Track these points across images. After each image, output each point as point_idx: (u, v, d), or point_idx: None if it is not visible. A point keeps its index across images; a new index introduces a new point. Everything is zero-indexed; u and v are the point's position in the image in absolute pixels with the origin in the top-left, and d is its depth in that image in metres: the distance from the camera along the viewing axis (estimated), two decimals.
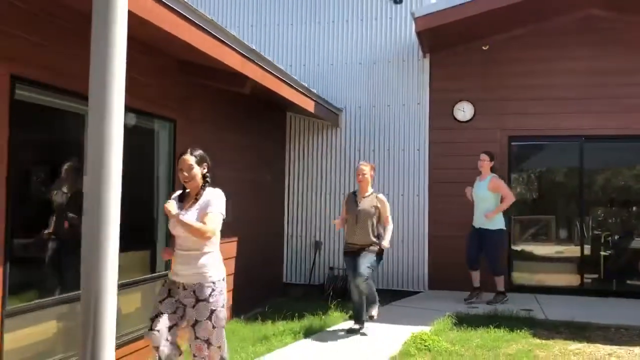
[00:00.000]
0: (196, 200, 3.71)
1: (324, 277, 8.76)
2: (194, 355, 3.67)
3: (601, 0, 8.03)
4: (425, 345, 5.36)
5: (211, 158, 6.45)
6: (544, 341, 5.71)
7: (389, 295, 7.96)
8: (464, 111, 8.59)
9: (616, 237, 8.48)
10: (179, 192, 3.91)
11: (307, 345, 5.62)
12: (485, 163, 7.57)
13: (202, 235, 3.58)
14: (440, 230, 8.49)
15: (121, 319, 4.73)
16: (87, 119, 4.42)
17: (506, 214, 7.65)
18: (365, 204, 5.96)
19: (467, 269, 7.68)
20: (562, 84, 8.27)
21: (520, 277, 8.49)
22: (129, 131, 4.88)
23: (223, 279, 3.74)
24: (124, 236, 4.71)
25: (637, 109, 8.05)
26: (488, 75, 8.53)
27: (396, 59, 8.86)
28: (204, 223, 3.60)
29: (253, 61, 5.55)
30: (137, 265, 5.40)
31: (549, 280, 8.52)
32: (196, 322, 3.59)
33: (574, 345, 5.59)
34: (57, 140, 4.53)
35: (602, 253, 8.45)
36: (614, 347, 5.55)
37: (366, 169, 6.03)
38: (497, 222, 7.39)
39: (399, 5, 8.85)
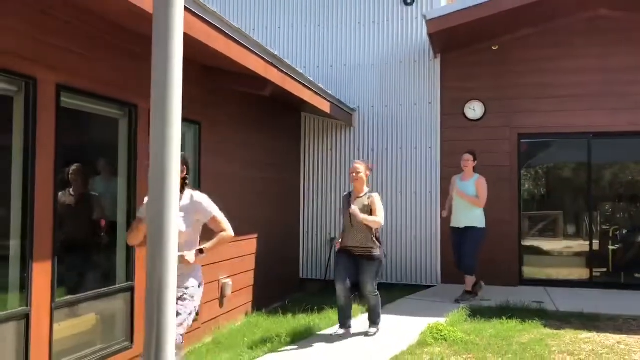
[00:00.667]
0: None
1: None
2: None
3: (609, 1, 8.23)
4: (441, 335, 5.61)
5: (234, 158, 6.81)
6: (555, 331, 5.95)
7: (404, 290, 8.22)
8: (474, 110, 8.82)
9: (624, 231, 8.70)
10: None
11: (330, 335, 5.88)
12: (469, 163, 7.50)
13: (230, 242, 3.76)
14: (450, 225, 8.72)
15: None
16: (120, 123, 4.69)
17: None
18: (358, 204, 5.60)
19: (476, 264, 7.93)
20: (570, 82, 8.49)
21: (530, 271, 8.72)
22: None
23: (199, 285, 3.66)
24: None
25: None
26: (498, 74, 8.75)
27: (408, 60, 9.09)
28: (197, 229, 3.66)
29: (274, 66, 5.82)
30: None
31: (558, 274, 8.75)
32: None
33: (584, 335, 5.82)
34: (95, 143, 4.82)
35: (611, 247, 8.67)
36: (623, 336, 5.78)
37: (360, 167, 5.69)
38: (482, 221, 7.36)
39: (410, 7, 9.08)
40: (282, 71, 6.06)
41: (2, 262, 3.75)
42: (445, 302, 7.30)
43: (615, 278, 8.53)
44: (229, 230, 3.71)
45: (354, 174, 5.69)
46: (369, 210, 5.57)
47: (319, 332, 5.98)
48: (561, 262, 8.94)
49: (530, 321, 6.20)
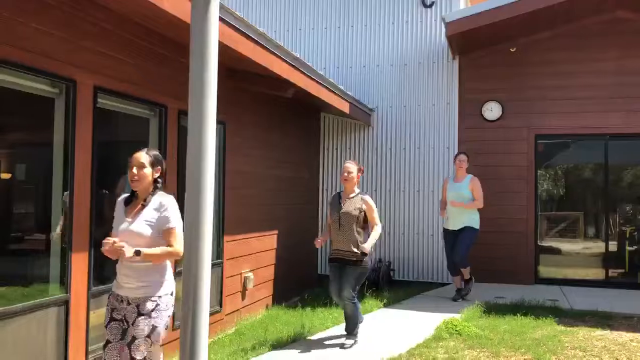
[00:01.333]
0: (143, 206, 3.34)
1: None
2: None
3: (627, 2, 8.30)
4: (456, 330, 5.78)
5: (256, 157, 7.04)
6: (568, 328, 6.08)
7: (420, 287, 8.41)
8: (492, 111, 8.95)
9: None
10: (125, 195, 3.51)
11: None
12: (464, 164, 7.49)
13: (173, 259, 3.36)
14: None
15: None
16: (151, 123, 4.94)
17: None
18: (349, 206, 5.42)
19: (489, 263, 8.09)
20: (587, 84, 8.57)
21: (546, 270, 8.83)
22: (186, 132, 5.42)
23: (171, 294, 3.38)
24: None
25: None
26: (516, 76, 8.87)
27: (426, 61, 9.25)
28: (154, 235, 3.27)
29: (297, 68, 6.03)
30: None
31: (574, 274, 8.83)
32: (133, 339, 3.22)
33: (598, 332, 5.95)
34: (127, 140, 5.08)
35: (628, 248, 8.74)
36: (636, 334, 5.89)
37: (352, 168, 5.50)
38: (476, 223, 7.38)
39: (429, 9, 9.24)
40: (304, 73, 6.28)
41: (44, 253, 4.02)
42: (460, 299, 7.46)
43: (631, 278, 8.60)
44: (178, 248, 3.25)
45: (345, 174, 5.50)
46: (363, 213, 5.39)
47: (337, 325, 6.19)
48: (577, 262, 9.02)
49: (544, 318, 6.34)
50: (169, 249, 3.27)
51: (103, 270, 4.51)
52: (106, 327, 3.35)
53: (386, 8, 9.47)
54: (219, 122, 6.16)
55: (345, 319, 5.60)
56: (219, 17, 4.55)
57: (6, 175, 4.01)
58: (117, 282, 3.39)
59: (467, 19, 7.84)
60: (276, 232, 7.64)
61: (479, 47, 8.91)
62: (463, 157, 7.57)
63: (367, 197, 5.50)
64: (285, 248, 7.84)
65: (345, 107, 8.07)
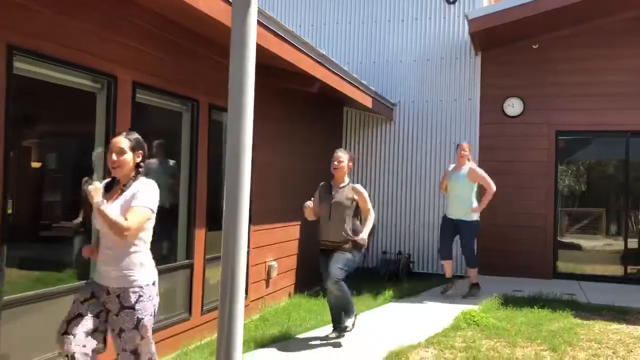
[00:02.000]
0: (122, 191, 3.18)
1: (377, 261, 9.41)
2: None
3: None
4: (474, 321, 5.96)
5: (280, 150, 7.26)
6: (585, 321, 6.21)
7: (439, 279, 8.56)
8: (513, 106, 9.05)
9: None
10: (106, 180, 3.36)
11: (370, 315, 6.30)
12: (464, 153, 7.29)
13: (119, 232, 3.01)
14: (488, 219, 8.98)
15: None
16: (183, 116, 5.17)
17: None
18: (341, 195, 5.27)
19: (508, 257, 8.20)
20: (609, 81, 8.63)
21: (564, 265, 8.93)
22: (219, 127, 5.66)
23: (153, 283, 3.21)
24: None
25: None
26: (537, 72, 8.95)
27: (449, 57, 9.37)
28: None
29: (322, 64, 6.22)
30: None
31: (592, 270, 8.92)
32: (121, 331, 3.10)
33: (614, 326, 6.07)
34: (162, 133, 5.33)
35: None
36: None
37: (343, 157, 5.37)
38: (475, 214, 7.31)
39: (452, 6, 9.34)
40: (329, 69, 6.47)
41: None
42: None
43: None
44: (129, 223, 3.03)
45: (336, 163, 5.34)
46: (355, 202, 5.25)
47: (358, 313, 6.40)
48: (596, 258, 9.10)
49: (561, 311, 6.47)
50: (122, 220, 3.01)
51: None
52: (82, 302, 3.13)
53: (409, 3, 9.60)
54: None
55: (340, 304, 5.33)
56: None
57: (36, 164, 4.26)
58: (97, 273, 3.22)
59: (490, 16, 7.95)
60: (299, 222, 7.85)
61: (502, 43, 9.00)
62: (467, 145, 7.36)
63: (359, 186, 5.34)
64: (308, 238, 8.04)
65: (368, 101, 8.24)
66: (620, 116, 8.56)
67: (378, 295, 7.33)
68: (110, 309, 3.13)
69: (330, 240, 5.27)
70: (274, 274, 6.97)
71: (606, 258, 8.98)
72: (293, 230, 7.70)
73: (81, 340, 3.02)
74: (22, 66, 3.52)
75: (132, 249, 3.13)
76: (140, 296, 3.11)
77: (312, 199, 5.51)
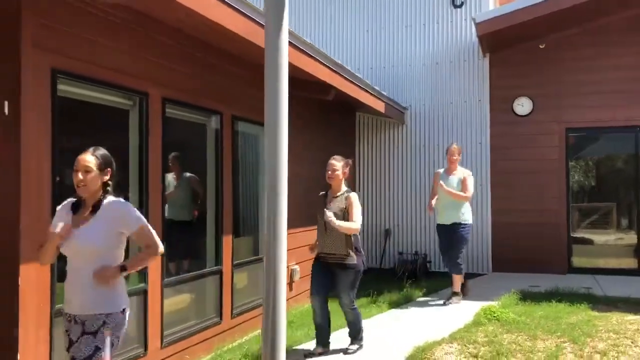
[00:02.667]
0: (93, 212, 2.97)
1: (394, 262, 9.59)
2: None
3: None
4: (494, 316, 6.12)
5: (300, 158, 7.48)
6: (602, 313, 6.36)
7: None
8: (522, 106, 9.23)
9: None
10: (71, 199, 3.09)
11: (392, 313, 6.49)
12: (455, 156, 7.11)
13: (157, 257, 3.10)
14: (502, 217, 9.18)
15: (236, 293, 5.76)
16: (208, 128, 5.37)
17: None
18: (333, 206, 4.99)
19: (524, 253, 8.35)
20: (616, 77, 8.79)
21: (579, 260, 9.08)
22: (245, 137, 5.89)
23: (122, 311, 2.95)
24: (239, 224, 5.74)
25: None
26: (545, 71, 9.13)
27: (457, 59, 9.56)
28: (112, 245, 2.95)
29: (338, 73, 6.44)
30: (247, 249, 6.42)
31: (606, 264, 9.05)
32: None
33: (631, 317, 6.21)
34: (190, 143, 5.57)
35: None
36: None
37: (337, 165, 5.06)
38: (468, 217, 7.08)
39: (459, 9, 9.55)
40: (344, 77, 6.68)
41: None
42: (496, 288, 7.75)
43: None
44: (158, 244, 3.02)
45: (330, 172, 5.07)
46: (346, 213, 4.94)
47: (380, 313, 6.60)
48: (610, 252, 9.23)
49: (578, 305, 6.62)
50: (148, 250, 2.96)
51: (174, 264, 5.01)
52: (67, 351, 2.96)
53: (417, 9, 9.80)
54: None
55: (347, 325, 5.25)
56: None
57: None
58: (66, 300, 3.00)
59: (496, 19, 8.15)
60: (316, 227, 8.05)
61: (509, 44, 9.18)
62: (454, 149, 7.11)
63: (352, 194, 5.02)
64: None
65: (381, 107, 8.45)
66: (629, 111, 8.71)
67: (398, 294, 7.51)
68: (72, 338, 2.90)
69: (327, 252, 4.97)
70: (296, 277, 7.17)
71: (619, 251, 9.12)
72: (313, 235, 7.86)
73: None
74: (64, 88, 3.75)
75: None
76: (104, 323, 2.86)
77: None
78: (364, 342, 5.27)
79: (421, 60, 9.77)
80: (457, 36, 9.58)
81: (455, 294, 7.14)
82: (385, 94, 8.71)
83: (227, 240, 5.63)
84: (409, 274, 8.94)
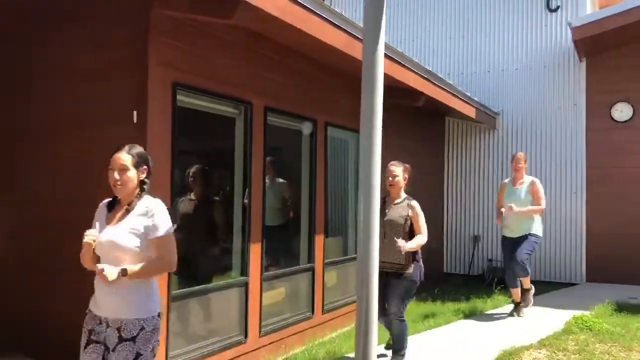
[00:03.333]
0: (127, 211, 2.85)
1: (483, 268, 9.55)
2: None
3: None
4: (586, 325, 6.02)
5: (388, 162, 7.68)
6: None
7: (548, 286, 8.60)
8: (621, 111, 8.91)
9: None
10: (107, 200, 2.98)
11: (481, 318, 6.55)
12: (521, 165, 6.68)
13: (166, 271, 3.00)
14: (598, 226, 8.90)
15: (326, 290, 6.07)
16: (303, 134, 5.72)
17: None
18: (394, 213, 4.84)
19: (621, 264, 8.05)
20: None
21: None
22: (335, 142, 6.21)
23: (158, 315, 2.87)
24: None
25: None
26: None
27: (552, 64, 9.39)
28: (142, 246, 2.78)
29: (428, 80, 6.61)
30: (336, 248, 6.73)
31: None
32: None
33: None
34: (286, 149, 5.96)
35: None
36: None
37: (397, 171, 4.91)
38: (538, 229, 6.65)
39: (554, 13, 9.37)
40: (434, 84, 6.84)
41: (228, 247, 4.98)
42: (590, 297, 7.56)
43: None
44: (171, 260, 2.85)
45: (390, 178, 4.89)
46: (408, 221, 4.81)
47: (468, 318, 6.68)
48: None
49: None
50: (160, 261, 2.81)
51: (270, 261, 5.40)
52: (84, 349, 2.84)
53: (511, 14, 9.72)
54: (356, 130, 6.88)
55: (391, 336, 5.00)
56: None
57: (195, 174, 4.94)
58: (94, 300, 2.88)
59: (593, 24, 7.95)
60: None
61: (607, 48, 8.90)
62: (520, 156, 6.74)
63: (414, 203, 4.87)
64: None
65: (471, 112, 8.49)
66: None
67: (487, 300, 7.53)
68: (109, 344, 2.78)
69: (385, 260, 4.59)
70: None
71: None
72: None
73: None
74: (182, 98, 4.22)
75: None
76: (142, 328, 2.78)
77: None
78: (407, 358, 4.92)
79: (514, 65, 9.67)
80: (552, 40, 9.41)
81: (527, 290, 6.77)
82: (476, 99, 8.73)
83: (319, 240, 5.96)
84: (498, 280, 8.88)
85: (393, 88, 6.64)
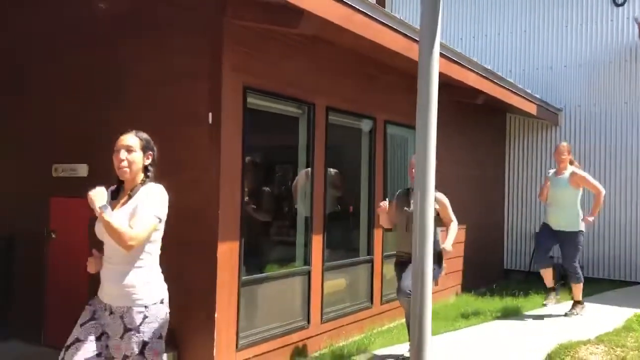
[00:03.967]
0: (129, 197, 2.86)
1: None
2: None
3: None
4: None
5: (446, 158, 7.83)
6: None
7: (611, 284, 8.50)
8: None
9: None
10: (112, 187, 2.98)
11: (538, 313, 6.62)
12: (563, 155, 6.55)
13: (124, 243, 2.68)
14: None
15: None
16: (362, 131, 5.98)
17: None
18: None
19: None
20: None
21: None
22: (395, 139, 6.43)
23: (161, 302, 2.85)
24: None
25: None
26: None
27: (617, 60, 9.21)
28: (155, 236, 2.82)
29: (487, 78, 6.72)
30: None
31: None
32: (125, 358, 2.80)
33: None
34: (347, 148, 6.24)
35: None
36: None
37: None
38: (579, 224, 6.54)
39: (620, 8, 9.18)
40: (493, 82, 6.93)
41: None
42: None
43: None
44: (135, 233, 2.71)
45: (414, 170, 4.74)
46: (435, 212, 4.47)
47: (526, 312, 6.77)
48: None
49: None
50: (128, 229, 2.69)
51: (332, 251, 5.71)
52: (81, 325, 2.86)
53: (575, 8, 9.58)
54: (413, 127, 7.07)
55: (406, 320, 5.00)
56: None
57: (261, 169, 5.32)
58: (101, 288, 2.92)
59: None
60: (464, 226, 8.32)
61: None
62: (563, 148, 6.59)
63: (440, 195, 4.85)
64: (473, 241, 8.49)
65: (532, 108, 8.49)
66: None
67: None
68: (111, 332, 2.82)
69: (407, 251, 4.59)
70: (442, 272, 7.53)
71: None
72: (459, 234, 8.07)
73: None
74: (251, 100, 4.58)
75: (138, 263, 2.81)
76: (145, 317, 2.78)
77: (387, 199, 5.19)
78: None
79: (577, 61, 9.54)
80: (617, 36, 9.22)
81: (577, 302, 6.69)
82: (538, 96, 8.71)
83: (378, 233, 6.21)
84: (560, 277, 8.84)
85: (452, 87, 6.81)
